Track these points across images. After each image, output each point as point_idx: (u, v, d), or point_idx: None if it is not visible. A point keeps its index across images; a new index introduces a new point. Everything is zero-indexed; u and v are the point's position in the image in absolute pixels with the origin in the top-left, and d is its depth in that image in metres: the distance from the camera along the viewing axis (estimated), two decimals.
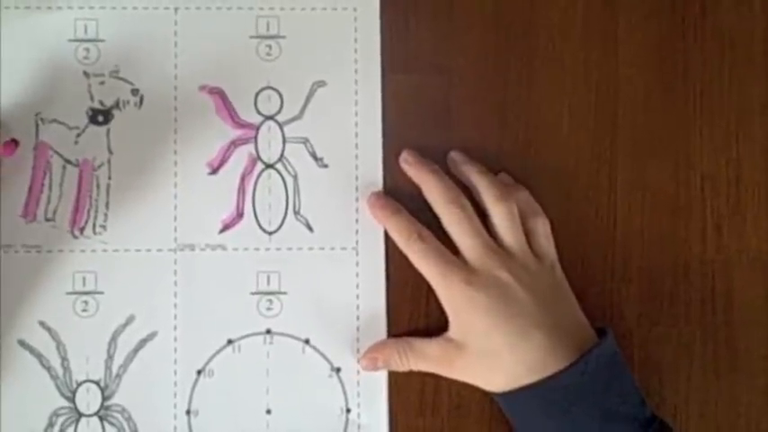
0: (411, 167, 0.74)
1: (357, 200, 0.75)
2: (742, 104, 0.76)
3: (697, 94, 0.76)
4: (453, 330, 0.72)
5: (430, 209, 0.73)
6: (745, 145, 0.76)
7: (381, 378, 0.74)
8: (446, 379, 0.73)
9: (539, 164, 0.75)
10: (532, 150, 0.75)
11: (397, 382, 0.74)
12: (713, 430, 0.75)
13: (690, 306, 0.75)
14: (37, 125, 0.73)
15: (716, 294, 0.75)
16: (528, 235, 0.73)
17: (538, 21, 0.76)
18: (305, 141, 0.75)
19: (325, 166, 0.75)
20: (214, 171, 0.74)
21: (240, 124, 0.75)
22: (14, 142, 0.72)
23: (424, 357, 0.72)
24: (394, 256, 0.74)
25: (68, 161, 0.74)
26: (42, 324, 0.73)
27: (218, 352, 0.74)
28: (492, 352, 0.70)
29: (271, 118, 0.75)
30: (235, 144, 0.75)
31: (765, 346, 0.75)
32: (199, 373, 0.74)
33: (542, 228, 0.73)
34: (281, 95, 0.75)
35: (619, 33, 0.76)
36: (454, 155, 0.75)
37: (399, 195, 0.74)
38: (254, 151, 0.75)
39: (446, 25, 0.75)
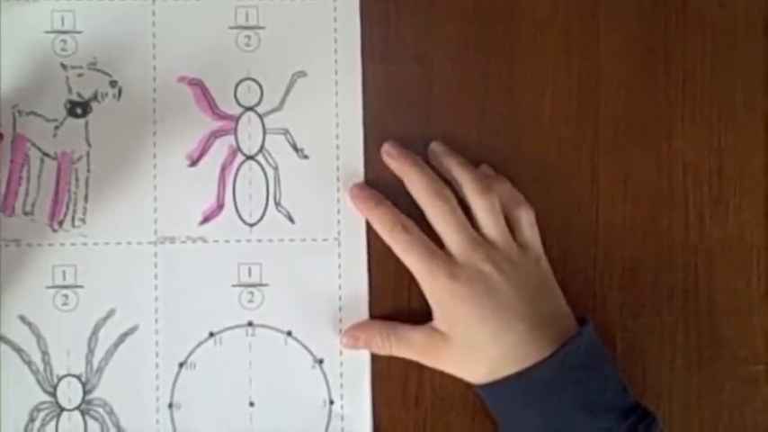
0: (393, 160, 0.73)
1: (338, 191, 0.74)
2: (724, 94, 0.76)
3: (679, 83, 0.76)
4: (438, 321, 0.72)
5: (412, 200, 0.73)
6: (728, 134, 0.76)
7: (364, 370, 0.74)
8: (430, 371, 0.73)
9: (520, 155, 0.75)
10: (514, 141, 0.75)
11: (381, 374, 0.74)
12: (696, 419, 0.75)
13: (672, 296, 0.76)
14: (14, 118, 0.73)
15: (698, 284, 0.76)
16: (512, 226, 0.73)
17: (519, 11, 0.75)
18: (285, 132, 0.74)
19: (306, 157, 0.74)
20: (194, 163, 0.74)
21: (220, 115, 0.74)
22: None
23: (408, 344, 0.72)
24: (376, 246, 0.74)
25: (47, 154, 0.73)
26: (22, 318, 0.73)
27: (199, 345, 0.73)
28: (476, 344, 0.70)
29: (251, 109, 0.74)
30: (215, 135, 0.74)
31: (748, 335, 0.76)
32: (181, 366, 0.73)
33: (526, 217, 0.73)
34: (260, 86, 0.74)
35: (600, 23, 0.75)
36: (435, 146, 0.74)
37: (381, 186, 0.74)
38: (234, 143, 0.74)
39: (426, 15, 0.75)
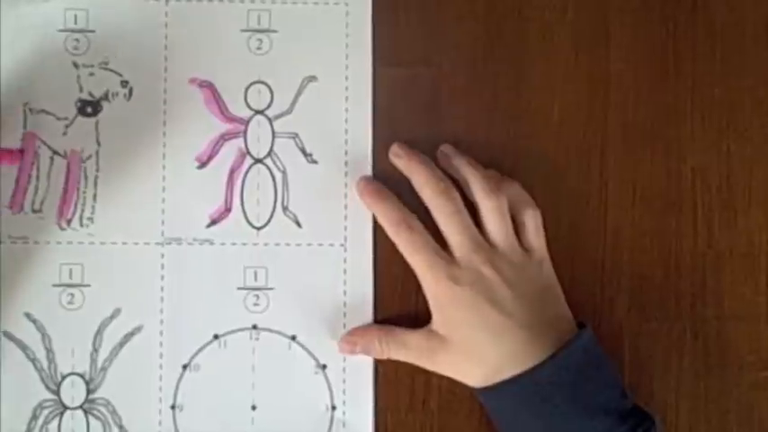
0: (401, 160, 0.73)
1: (346, 196, 0.74)
2: (733, 99, 0.76)
3: (688, 88, 0.75)
4: (436, 324, 0.72)
5: (420, 203, 0.72)
6: (737, 139, 0.75)
7: (367, 376, 0.74)
8: (437, 375, 0.73)
9: (529, 158, 0.75)
10: (523, 144, 0.75)
11: (388, 377, 0.74)
12: (703, 425, 0.74)
13: (680, 301, 0.75)
14: (25, 115, 0.73)
15: (706, 289, 0.75)
16: (518, 228, 0.73)
17: (528, 14, 0.75)
18: (294, 136, 0.75)
19: (315, 161, 0.75)
20: (203, 165, 0.74)
21: (229, 118, 0.74)
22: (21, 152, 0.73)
23: (406, 347, 0.72)
24: (382, 252, 0.74)
25: (56, 152, 0.73)
26: (28, 316, 0.73)
27: (203, 347, 0.73)
28: (474, 347, 0.70)
29: (260, 112, 0.75)
30: (224, 138, 0.74)
31: (755, 340, 0.75)
32: (184, 367, 0.73)
33: (532, 221, 0.73)
34: (271, 90, 0.75)
35: (610, 26, 0.76)
36: (445, 148, 0.74)
37: (389, 190, 0.74)
38: (243, 146, 0.74)
39: (436, 19, 0.75)
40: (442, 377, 0.73)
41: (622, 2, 0.76)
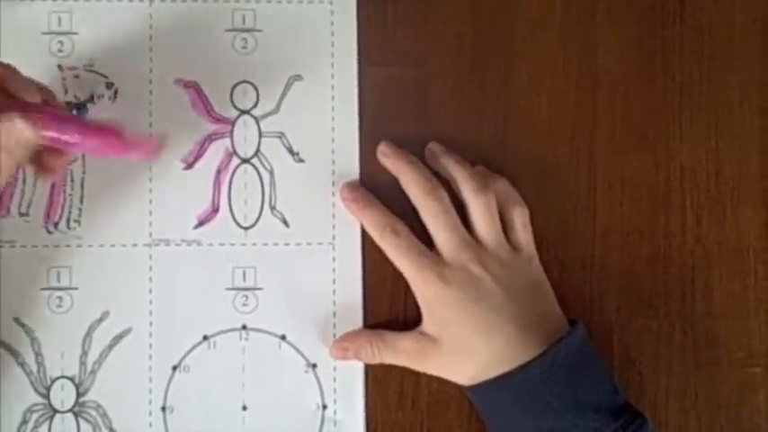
0: (388, 159, 0.73)
1: (333, 194, 0.74)
2: (721, 96, 0.76)
3: (676, 85, 0.75)
4: (427, 324, 0.71)
5: (408, 202, 0.72)
6: (725, 136, 0.75)
7: (358, 374, 0.74)
8: (426, 374, 0.73)
9: (517, 156, 0.75)
10: (511, 143, 0.75)
11: (377, 377, 0.74)
12: (693, 422, 0.75)
13: (669, 298, 0.75)
14: None
15: (695, 286, 0.75)
16: (506, 226, 0.73)
17: (516, 13, 0.75)
18: (281, 136, 0.74)
19: (302, 160, 0.74)
20: (189, 166, 0.74)
21: (216, 118, 0.74)
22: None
23: (397, 351, 0.72)
24: (371, 250, 0.74)
25: None
26: (16, 320, 0.72)
27: (193, 348, 0.73)
28: (465, 346, 0.70)
29: (247, 112, 0.74)
30: (210, 138, 0.74)
31: (745, 336, 0.75)
32: (174, 369, 0.73)
33: (520, 219, 0.73)
34: (256, 89, 0.74)
35: (597, 24, 0.75)
36: (432, 146, 0.74)
37: (376, 190, 0.74)
38: (229, 146, 0.74)
39: (424, 17, 0.75)
40: (431, 375, 0.73)
41: (610, 0, 0.76)
